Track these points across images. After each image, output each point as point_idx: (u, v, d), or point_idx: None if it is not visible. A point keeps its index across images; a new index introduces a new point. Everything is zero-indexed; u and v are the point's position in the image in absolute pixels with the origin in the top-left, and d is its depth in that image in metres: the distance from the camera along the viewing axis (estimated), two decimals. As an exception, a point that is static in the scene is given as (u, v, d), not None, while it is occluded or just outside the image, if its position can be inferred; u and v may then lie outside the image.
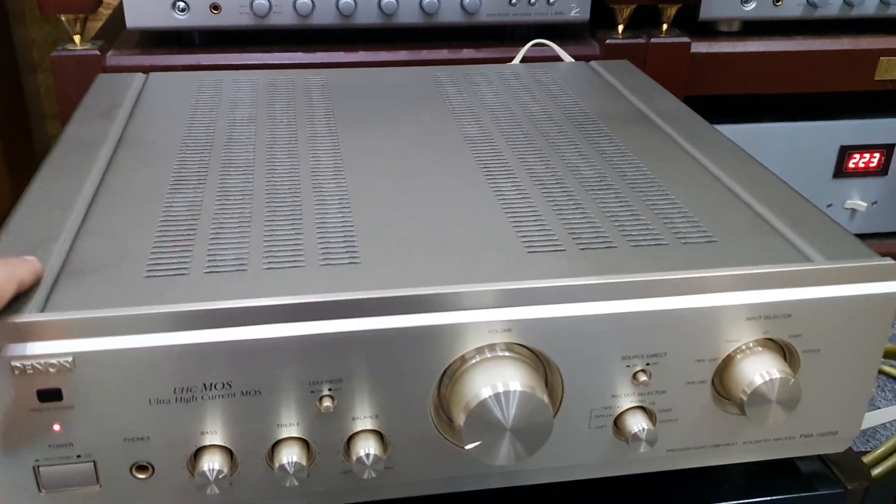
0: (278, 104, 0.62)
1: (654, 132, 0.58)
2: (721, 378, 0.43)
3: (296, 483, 0.39)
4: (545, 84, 0.68)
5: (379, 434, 0.40)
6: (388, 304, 0.38)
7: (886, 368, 1.04)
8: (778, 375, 0.41)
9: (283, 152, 0.53)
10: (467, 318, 0.39)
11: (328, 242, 0.43)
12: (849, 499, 0.48)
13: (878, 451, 0.79)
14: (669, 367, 0.41)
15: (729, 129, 1.06)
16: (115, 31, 0.96)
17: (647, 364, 0.41)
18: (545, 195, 0.48)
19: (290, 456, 0.39)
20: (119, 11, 0.94)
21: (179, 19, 0.86)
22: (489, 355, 0.40)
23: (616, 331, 0.40)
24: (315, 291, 0.38)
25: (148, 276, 0.39)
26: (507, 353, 0.40)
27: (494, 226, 0.45)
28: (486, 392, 0.38)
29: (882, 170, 1.12)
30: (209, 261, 0.41)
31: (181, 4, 0.86)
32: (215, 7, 0.86)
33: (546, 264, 0.41)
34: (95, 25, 1.02)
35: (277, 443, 0.40)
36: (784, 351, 0.43)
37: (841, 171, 1.11)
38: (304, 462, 0.39)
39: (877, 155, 1.11)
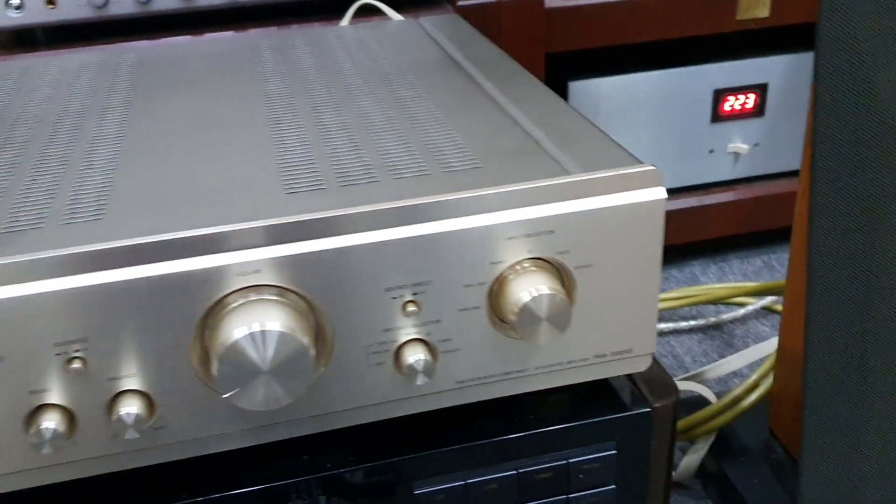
0: (81, 82, 0.60)
1: (460, 77, 0.58)
2: (496, 301, 0.42)
3: (49, 451, 0.38)
4: (366, 42, 0.67)
5: (143, 393, 0.39)
6: (122, 254, 0.37)
7: (780, 308, 1.05)
8: (546, 292, 0.41)
9: (66, 126, 0.52)
10: (218, 261, 0.38)
11: (78, 203, 0.41)
12: (658, 416, 0.48)
13: (749, 382, 0.80)
14: (438, 295, 0.41)
15: (600, 83, 1.07)
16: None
17: (415, 294, 0.41)
18: (324, 141, 0.47)
19: (49, 422, 0.38)
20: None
21: (14, 17, 0.84)
22: (252, 298, 0.39)
23: (375, 262, 0.39)
24: (52, 247, 0.37)
25: None
26: (270, 297, 0.39)
27: (261, 172, 0.44)
28: (240, 332, 0.37)
29: (758, 111, 1.13)
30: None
31: (14, 2, 0.84)
32: (51, 2, 0.84)
33: (303, 202, 0.40)
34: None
35: (36, 410, 0.38)
36: (559, 271, 0.42)
37: (718, 116, 1.12)
38: (62, 429, 0.38)
39: (751, 96, 1.12)
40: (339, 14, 0.90)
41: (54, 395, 0.38)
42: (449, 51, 0.63)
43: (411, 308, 0.41)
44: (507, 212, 0.40)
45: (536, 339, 0.41)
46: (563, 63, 1.03)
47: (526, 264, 0.42)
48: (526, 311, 0.40)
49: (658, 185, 0.42)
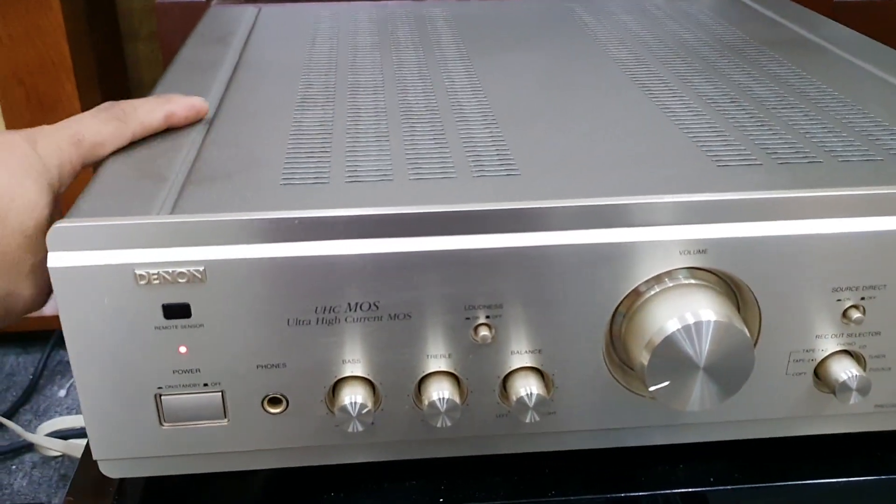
0: (401, 32, 0.57)
1: (829, 56, 0.51)
2: (948, 319, 0.36)
3: (448, 423, 0.34)
4: (692, 14, 0.61)
5: (540, 373, 0.35)
6: (555, 217, 0.32)
7: None
8: None
9: (413, 74, 0.48)
10: (652, 235, 0.33)
11: (479, 155, 0.37)
12: None
13: None
14: (888, 304, 0.35)
15: None
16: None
17: (862, 298, 0.35)
18: (720, 113, 0.42)
19: (441, 391, 0.34)
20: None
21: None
22: (670, 284, 0.34)
23: (826, 256, 0.34)
24: (471, 200, 0.33)
25: (285, 184, 0.34)
26: (693, 281, 0.34)
27: (671, 139, 0.39)
28: (673, 325, 0.32)
29: None
30: (349, 170, 0.36)
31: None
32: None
33: (741, 178, 0.35)
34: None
35: (426, 377, 0.34)
36: None
37: None
38: (457, 399, 0.34)
39: None
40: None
41: (450, 363, 0.34)
42: (796, 29, 0.57)
43: (855, 315, 0.35)
44: None
45: None
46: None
47: None
48: None
49: None
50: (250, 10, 0.62)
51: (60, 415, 0.91)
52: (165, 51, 0.80)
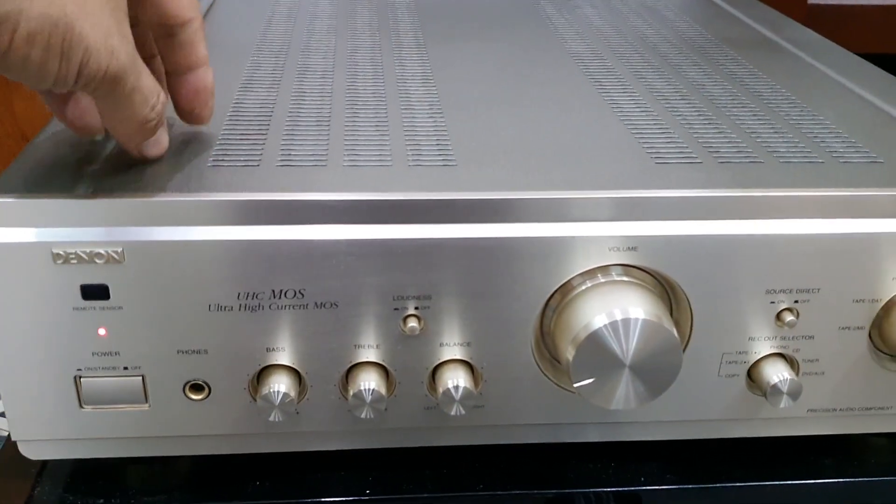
0: (360, 17, 0.56)
1: (789, 57, 0.51)
2: (881, 327, 0.35)
3: (372, 415, 0.33)
4: (657, 10, 0.60)
5: (469, 365, 0.34)
6: (489, 209, 0.32)
7: None
8: (957, 323, 0.34)
9: (365, 60, 0.48)
10: (583, 230, 0.33)
11: (418, 143, 0.37)
12: None
13: None
14: (821, 307, 0.35)
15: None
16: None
17: (796, 301, 0.34)
18: (669, 109, 0.41)
19: (368, 382, 0.33)
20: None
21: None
22: (602, 280, 0.34)
23: (761, 257, 0.33)
24: (403, 190, 0.32)
25: (213, 165, 0.34)
26: (625, 278, 0.34)
27: (613, 134, 0.38)
28: (601, 320, 0.32)
29: None
30: (282, 154, 0.35)
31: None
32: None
33: (678, 175, 0.35)
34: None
35: (353, 367, 0.34)
36: (960, 297, 0.35)
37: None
38: (382, 391, 0.33)
39: None
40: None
41: (377, 353, 0.34)
42: (759, 29, 0.57)
43: (789, 318, 0.34)
44: (927, 219, 0.34)
45: (935, 376, 0.34)
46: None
47: (922, 285, 0.35)
48: (931, 342, 0.34)
49: None
50: (211, -12, 0.61)
51: None
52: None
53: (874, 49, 0.91)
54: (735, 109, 0.42)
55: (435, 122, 0.39)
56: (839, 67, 0.49)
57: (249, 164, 0.34)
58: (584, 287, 0.34)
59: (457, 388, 0.33)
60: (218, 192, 0.31)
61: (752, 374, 0.36)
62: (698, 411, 0.37)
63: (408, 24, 0.55)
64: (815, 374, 0.36)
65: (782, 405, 0.35)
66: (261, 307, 0.32)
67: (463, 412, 0.34)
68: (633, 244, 0.33)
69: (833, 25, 0.89)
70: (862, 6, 0.88)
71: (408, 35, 0.53)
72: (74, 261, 0.30)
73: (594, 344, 0.32)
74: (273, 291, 0.32)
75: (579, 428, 0.37)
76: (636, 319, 0.32)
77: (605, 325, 0.32)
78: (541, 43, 0.52)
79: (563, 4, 0.61)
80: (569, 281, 0.33)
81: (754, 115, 0.41)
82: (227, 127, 0.38)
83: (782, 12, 0.85)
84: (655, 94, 0.44)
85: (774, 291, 0.34)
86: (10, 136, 0.94)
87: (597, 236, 0.33)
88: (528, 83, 0.45)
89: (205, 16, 0.55)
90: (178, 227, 0.31)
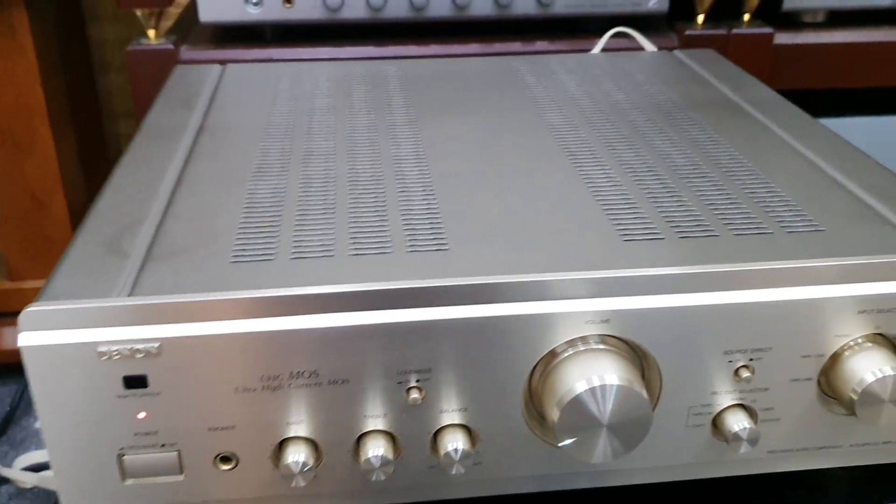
0: (356, 94, 0.61)
1: (747, 120, 0.56)
2: (828, 376, 0.40)
3: (382, 477, 0.38)
4: (629, 73, 0.65)
5: (467, 428, 0.39)
6: (478, 292, 0.37)
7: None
8: (891, 373, 0.38)
9: (363, 140, 0.52)
10: (562, 307, 0.37)
11: (414, 229, 0.41)
12: (964, 508, 0.45)
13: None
14: (774, 363, 0.39)
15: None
16: (187, 28, 0.96)
17: (751, 359, 0.39)
18: (637, 182, 0.46)
19: (377, 449, 0.38)
20: (191, 8, 0.94)
21: (252, 13, 0.86)
22: (582, 348, 0.38)
23: (719, 323, 0.38)
24: (403, 278, 0.37)
25: (234, 262, 0.38)
26: (601, 346, 0.38)
27: (586, 212, 0.43)
28: (581, 386, 0.37)
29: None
30: (295, 247, 0.40)
31: (255, -1, 0.86)
32: (288, 1, 0.86)
33: (644, 252, 0.39)
34: (165, 26, 1.03)
35: (363, 435, 0.38)
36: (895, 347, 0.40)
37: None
38: (390, 456, 0.38)
39: (970, 150, 1.05)
40: (560, 34, 0.89)
41: (384, 422, 0.38)
42: (721, 90, 0.61)
43: (745, 374, 0.39)
44: (861, 284, 0.38)
45: (876, 421, 0.39)
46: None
47: (862, 339, 0.40)
48: (869, 392, 0.38)
49: None
50: (216, 69, 0.66)
51: (38, 446, 0.94)
52: (136, 98, 0.83)
53: (839, 84, 0.96)
54: (696, 180, 0.46)
55: (428, 203, 0.44)
56: (792, 128, 0.53)
57: (266, 258, 0.39)
58: (565, 355, 0.38)
59: (456, 450, 0.38)
60: (238, 289, 0.36)
61: (717, 423, 0.40)
62: (670, 458, 0.41)
63: (400, 98, 0.60)
64: (772, 420, 0.41)
65: (742, 451, 0.39)
66: (280, 387, 0.37)
67: (462, 471, 0.38)
68: (605, 317, 0.37)
69: (799, 63, 0.94)
70: (825, 44, 0.93)
71: (400, 110, 0.57)
72: (117, 356, 0.35)
73: (576, 407, 0.37)
74: (291, 373, 0.36)
75: (568, 477, 0.42)
76: (611, 385, 0.37)
77: (585, 391, 0.37)
78: (521, 113, 0.57)
79: (542, 72, 0.66)
80: (552, 350, 0.38)
81: (714, 186, 0.46)
82: (244, 218, 0.42)
83: (751, 52, 0.91)
84: (624, 166, 0.48)
85: (732, 352, 0.39)
86: (21, 196, 0.98)
87: (574, 311, 0.37)
88: (509, 157, 0.49)
89: (209, 101, 0.59)
90: (206, 323, 0.35)
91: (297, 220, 0.42)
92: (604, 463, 0.38)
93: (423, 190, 0.45)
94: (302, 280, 0.37)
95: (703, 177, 0.47)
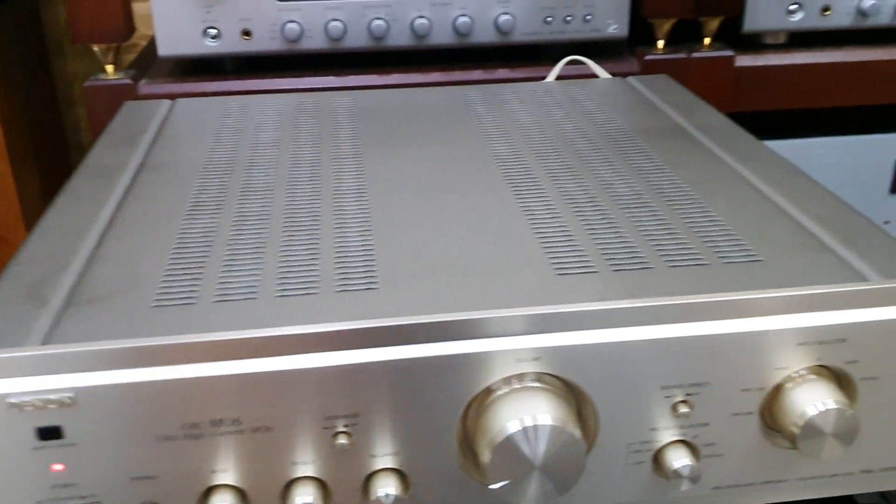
0: (304, 127, 0.60)
1: (694, 147, 0.55)
2: (770, 409, 0.39)
3: (309, 525, 0.37)
4: (579, 101, 0.65)
5: (400, 473, 0.38)
6: (406, 333, 0.36)
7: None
8: (833, 406, 0.37)
9: (304, 175, 0.52)
10: (493, 346, 0.36)
11: (346, 267, 0.40)
12: (916, 540, 0.44)
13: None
14: (713, 398, 0.38)
15: (778, 145, 1.02)
16: (149, 61, 0.96)
17: (689, 395, 0.38)
18: (577, 214, 0.46)
19: (305, 497, 0.37)
20: (154, 42, 0.94)
21: (211, 46, 0.86)
22: (517, 386, 0.37)
23: (654, 358, 0.37)
24: (328, 320, 0.36)
25: (155, 306, 0.37)
26: (536, 384, 0.37)
27: (522, 247, 0.42)
28: (513, 426, 0.36)
29: (942, 184, 1.07)
30: (219, 289, 0.39)
31: (212, 31, 0.85)
32: (246, 33, 0.86)
33: (577, 287, 0.39)
34: (128, 59, 1.03)
35: (292, 482, 0.37)
36: (839, 379, 0.39)
37: (898, 187, 1.06)
38: (320, 503, 0.37)
39: (936, 169, 1.06)
40: (520, 62, 0.88)
41: (313, 468, 0.37)
42: (671, 116, 0.61)
43: (683, 409, 0.38)
44: (799, 315, 0.38)
45: (818, 454, 0.38)
46: (741, 121, 1.00)
47: (804, 371, 0.39)
48: (811, 425, 0.37)
49: (964, 299, 0.38)
50: (165, 104, 0.66)
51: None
52: (95, 133, 0.82)
53: (801, 105, 0.96)
54: (636, 210, 0.46)
55: (364, 240, 0.43)
56: (740, 155, 0.53)
57: (188, 302, 0.38)
58: (499, 393, 0.37)
59: (387, 495, 0.37)
60: (156, 335, 0.35)
61: (658, 460, 0.39)
62: (611, 496, 0.40)
63: (348, 130, 0.59)
64: (715, 455, 0.40)
65: (684, 488, 0.39)
66: (202, 435, 0.36)
67: (393, 517, 0.37)
68: (536, 355, 0.36)
69: (761, 85, 0.94)
70: (787, 65, 0.93)
71: (347, 143, 0.57)
72: (29, 408, 0.34)
73: (507, 447, 0.36)
74: (212, 420, 0.35)
75: (508, 517, 0.41)
76: (544, 426, 0.36)
77: (516, 431, 0.36)
78: (469, 144, 0.56)
79: (494, 101, 0.65)
80: (484, 390, 0.37)
81: (654, 216, 0.45)
82: (171, 260, 0.41)
83: (712, 75, 0.91)
84: (565, 197, 0.48)
85: (669, 387, 0.38)
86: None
87: (503, 350, 0.36)
88: (452, 190, 0.49)
89: (154, 138, 0.58)
90: (121, 371, 0.34)
91: (224, 260, 0.41)
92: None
93: (361, 226, 0.45)
94: (222, 324, 0.36)
95: (644, 206, 0.46)
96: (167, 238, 0.44)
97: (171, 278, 0.40)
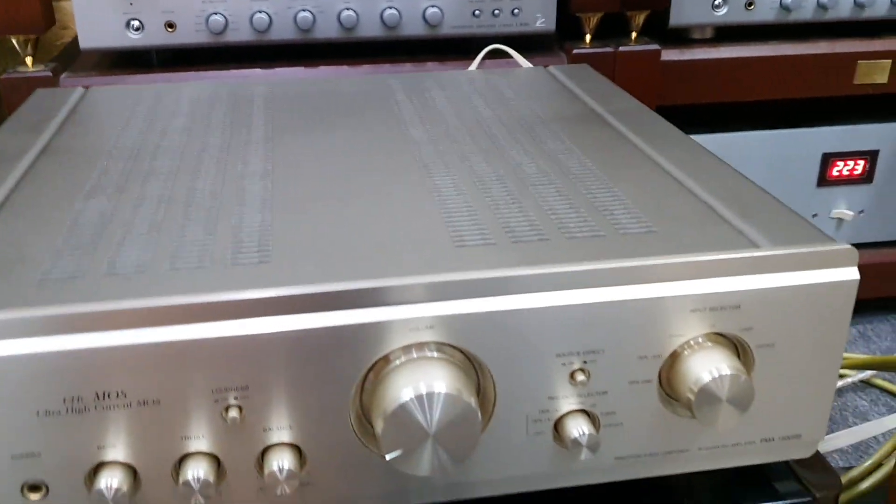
0: (217, 114, 0.60)
1: (605, 130, 0.56)
2: (668, 377, 0.39)
3: (202, 501, 0.36)
4: (499, 89, 0.65)
5: (296, 447, 0.37)
6: (295, 302, 0.35)
7: (880, 382, 1.00)
8: (728, 372, 0.38)
9: (211, 159, 0.51)
10: (386, 315, 0.36)
11: (241, 244, 0.40)
12: (819, 508, 0.44)
13: (867, 464, 0.75)
14: (610, 365, 0.38)
15: (707, 139, 1.04)
16: (74, 55, 0.94)
17: (585, 362, 0.38)
18: (483, 193, 0.46)
19: (197, 471, 0.36)
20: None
21: (134, 38, 0.85)
22: (415, 356, 0.37)
23: (548, 326, 0.37)
24: (218, 290, 0.35)
25: (42, 280, 0.36)
26: (434, 354, 0.37)
27: (424, 222, 0.42)
28: (406, 394, 0.35)
29: (867, 177, 1.09)
30: (109, 264, 0.38)
31: (135, 23, 0.84)
32: (170, 25, 0.85)
33: (474, 258, 0.38)
34: (52, 53, 1.01)
35: (184, 458, 0.36)
36: (736, 347, 0.40)
37: (825, 180, 1.08)
38: (211, 478, 0.36)
39: (861, 162, 1.08)
40: (449, 55, 0.89)
41: (205, 443, 0.36)
42: (588, 102, 0.62)
43: (580, 377, 0.38)
44: (692, 282, 0.38)
45: (714, 421, 0.38)
46: (670, 116, 1.01)
47: (701, 339, 0.39)
48: (706, 392, 0.38)
49: (852, 266, 0.39)
50: (77, 91, 0.64)
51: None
52: (11, 126, 0.81)
53: (727, 98, 0.98)
54: (542, 188, 0.46)
55: (262, 219, 0.43)
56: (649, 137, 0.54)
57: (75, 276, 0.37)
58: (396, 364, 0.37)
59: (281, 469, 0.36)
60: (40, 306, 0.34)
61: (558, 430, 0.39)
62: (514, 468, 0.40)
63: (261, 117, 0.59)
64: (615, 424, 0.40)
65: (583, 457, 0.39)
66: (86, 409, 0.35)
67: (288, 491, 0.36)
68: (430, 324, 0.36)
69: (688, 78, 0.95)
70: (713, 59, 0.95)
71: (258, 129, 0.56)
72: None
73: (401, 416, 0.35)
74: (97, 394, 0.34)
75: (409, 492, 0.40)
76: (438, 393, 0.35)
77: (410, 399, 0.35)
78: (383, 130, 0.56)
79: (414, 89, 0.65)
80: (382, 360, 0.37)
81: (558, 193, 0.45)
82: (63, 240, 0.40)
83: (639, 69, 0.92)
84: (474, 178, 0.48)
85: (564, 354, 0.38)
86: None
87: (397, 319, 0.36)
88: (361, 172, 0.48)
89: (61, 124, 0.57)
90: (1, 342, 0.33)
91: (117, 239, 0.40)
92: (444, 477, 0.37)
93: (262, 206, 0.44)
94: (108, 296, 0.35)
95: (549, 184, 0.46)
96: (60, 219, 0.43)
97: (59, 257, 0.39)
